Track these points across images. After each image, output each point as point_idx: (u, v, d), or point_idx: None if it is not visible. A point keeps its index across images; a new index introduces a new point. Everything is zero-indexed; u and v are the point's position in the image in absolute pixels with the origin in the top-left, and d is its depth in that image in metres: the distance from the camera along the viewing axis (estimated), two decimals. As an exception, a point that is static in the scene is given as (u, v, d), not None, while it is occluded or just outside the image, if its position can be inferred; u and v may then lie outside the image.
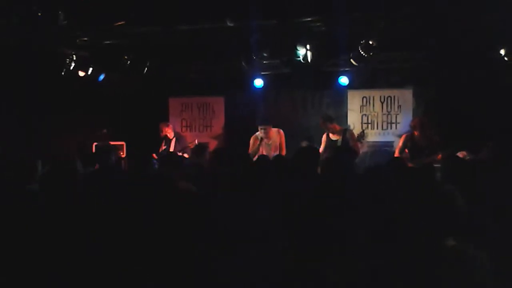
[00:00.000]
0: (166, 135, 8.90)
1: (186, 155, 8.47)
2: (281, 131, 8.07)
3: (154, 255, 2.75)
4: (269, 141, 7.93)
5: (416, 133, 7.44)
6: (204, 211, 3.11)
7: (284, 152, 7.87)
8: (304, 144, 8.44)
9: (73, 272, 2.78)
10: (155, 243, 2.82)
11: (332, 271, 2.38)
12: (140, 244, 2.84)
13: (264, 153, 7.67)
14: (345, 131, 8.01)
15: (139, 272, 2.67)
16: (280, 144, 7.99)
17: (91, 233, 2.97)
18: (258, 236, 1.85)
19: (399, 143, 7.66)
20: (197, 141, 8.54)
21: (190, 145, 8.54)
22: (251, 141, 7.96)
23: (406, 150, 7.43)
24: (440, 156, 6.61)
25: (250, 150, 7.77)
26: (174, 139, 8.89)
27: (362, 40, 7.45)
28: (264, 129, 7.83)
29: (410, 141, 7.47)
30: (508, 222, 3.22)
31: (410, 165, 7.02)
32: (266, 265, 1.97)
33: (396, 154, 7.44)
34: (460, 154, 6.03)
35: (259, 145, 7.81)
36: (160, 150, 8.76)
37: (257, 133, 7.93)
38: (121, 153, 8.84)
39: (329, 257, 2.45)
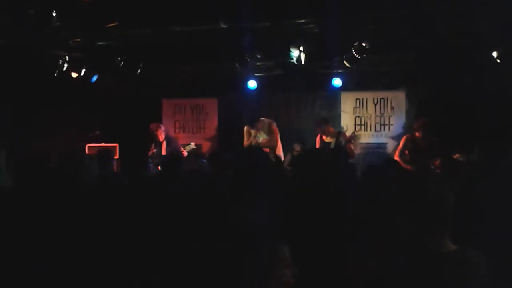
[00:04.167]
0: (157, 138, 8.31)
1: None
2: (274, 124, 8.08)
3: (159, 257, 2.74)
4: (259, 133, 8.03)
5: (417, 134, 7.42)
6: (210, 213, 3.09)
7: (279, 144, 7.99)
8: (296, 146, 8.46)
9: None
10: (159, 246, 2.81)
11: (333, 272, 2.38)
12: (143, 246, 2.83)
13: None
14: (338, 133, 8.03)
15: (143, 273, 2.66)
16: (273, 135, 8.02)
17: (94, 237, 2.96)
18: (259, 237, 1.85)
19: (400, 144, 7.64)
20: (193, 144, 8.39)
21: (183, 152, 8.21)
22: (245, 134, 8.08)
23: (406, 152, 7.42)
24: (437, 161, 6.59)
25: (246, 143, 7.96)
26: (164, 142, 8.31)
27: (355, 42, 7.47)
28: (256, 127, 7.99)
29: (410, 142, 7.45)
30: (500, 223, 3.24)
31: (408, 167, 7.05)
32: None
33: (396, 155, 7.42)
34: (453, 156, 6.06)
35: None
36: (150, 153, 8.33)
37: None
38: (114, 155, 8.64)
39: (329, 257, 2.45)
